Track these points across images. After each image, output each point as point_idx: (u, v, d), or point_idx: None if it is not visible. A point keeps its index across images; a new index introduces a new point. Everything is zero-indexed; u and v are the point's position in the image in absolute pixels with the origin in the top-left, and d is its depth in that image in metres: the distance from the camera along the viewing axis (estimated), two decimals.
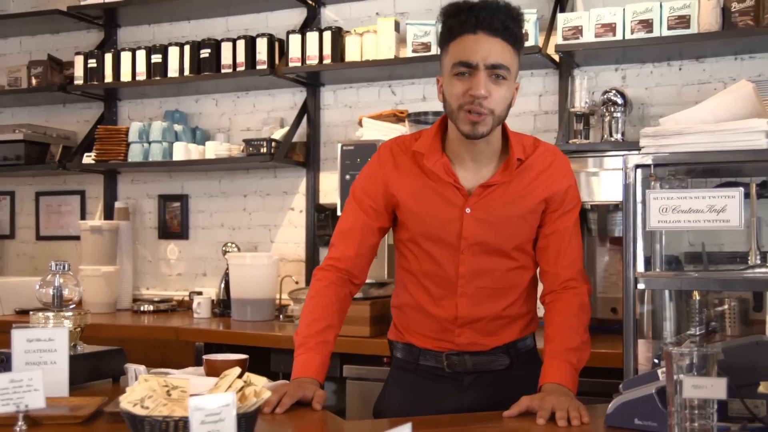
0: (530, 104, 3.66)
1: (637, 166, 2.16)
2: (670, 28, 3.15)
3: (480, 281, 2.00)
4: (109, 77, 4.19)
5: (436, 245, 2.00)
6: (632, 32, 3.21)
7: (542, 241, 2.04)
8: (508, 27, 1.87)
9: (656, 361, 2.25)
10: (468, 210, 1.96)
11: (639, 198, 2.15)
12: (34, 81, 4.40)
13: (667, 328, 2.49)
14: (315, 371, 1.95)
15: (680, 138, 2.21)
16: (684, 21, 3.13)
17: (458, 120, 1.91)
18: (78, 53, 4.28)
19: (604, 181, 3.01)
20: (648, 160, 2.15)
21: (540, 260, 2.06)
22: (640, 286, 2.17)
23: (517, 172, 1.98)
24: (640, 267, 2.22)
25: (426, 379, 2.06)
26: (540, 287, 2.11)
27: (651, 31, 3.18)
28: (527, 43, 3.34)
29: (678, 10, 3.14)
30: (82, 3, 4.20)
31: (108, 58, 4.19)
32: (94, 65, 4.21)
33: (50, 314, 2.18)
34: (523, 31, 1.94)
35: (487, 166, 2.00)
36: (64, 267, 2.23)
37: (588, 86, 3.36)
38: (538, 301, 2.11)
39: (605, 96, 3.30)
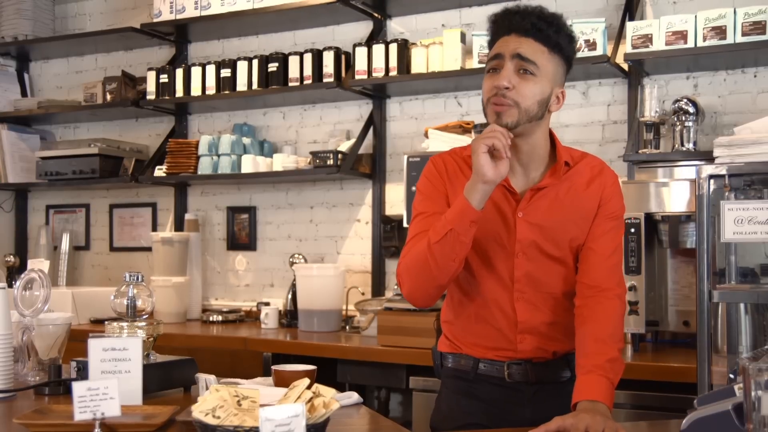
0: (599, 114, 3.61)
1: (711, 177, 2.12)
2: (744, 34, 3.08)
3: (536, 285, 1.98)
4: (179, 92, 4.28)
5: (489, 251, 1.98)
6: (704, 39, 3.14)
7: (587, 246, 2.00)
8: (541, 29, 1.91)
9: (732, 376, 2.19)
10: (520, 214, 1.96)
11: (713, 209, 2.11)
12: (108, 96, 4.53)
13: (743, 343, 2.43)
14: None
15: (756, 147, 2.16)
16: (759, 27, 3.05)
17: (487, 114, 1.94)
18: (150, 69, 4.39)
19: (674, 192, 2.95)
20: (722, 170, 2.11)
21: (579, 265, 2.01)
22: (715, 299, 2.13)
23: (566, 177, 1.99)
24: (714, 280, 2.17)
25: (486, 389, 2.02)
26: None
27: (724, 38, 3.10)
28: (595, 53, 3.31)
29: (753, 16, 3.06)
30: (155, 20, 4.31)
31: (179, 73, 4.28)
32: (166, 80, 4.31)
33: (124, 324, 2.23)
34: (569, 36, 1.95)
35: (535, 171, 2.00)
36: (137, 278, 2.27)
37: (658, 95, 3.30)
38: None
39: (676, 105, 3.23)
